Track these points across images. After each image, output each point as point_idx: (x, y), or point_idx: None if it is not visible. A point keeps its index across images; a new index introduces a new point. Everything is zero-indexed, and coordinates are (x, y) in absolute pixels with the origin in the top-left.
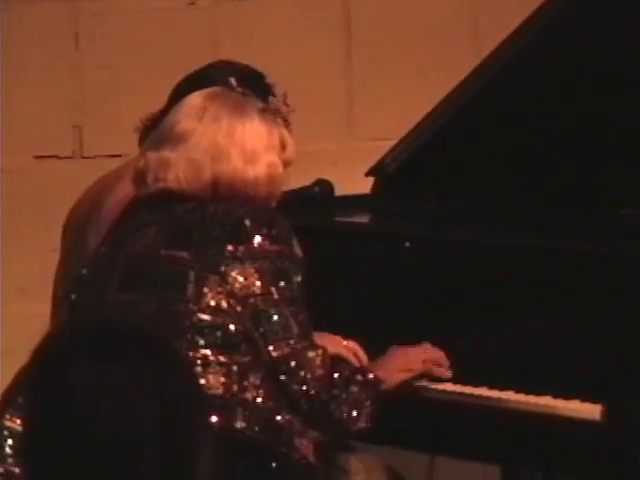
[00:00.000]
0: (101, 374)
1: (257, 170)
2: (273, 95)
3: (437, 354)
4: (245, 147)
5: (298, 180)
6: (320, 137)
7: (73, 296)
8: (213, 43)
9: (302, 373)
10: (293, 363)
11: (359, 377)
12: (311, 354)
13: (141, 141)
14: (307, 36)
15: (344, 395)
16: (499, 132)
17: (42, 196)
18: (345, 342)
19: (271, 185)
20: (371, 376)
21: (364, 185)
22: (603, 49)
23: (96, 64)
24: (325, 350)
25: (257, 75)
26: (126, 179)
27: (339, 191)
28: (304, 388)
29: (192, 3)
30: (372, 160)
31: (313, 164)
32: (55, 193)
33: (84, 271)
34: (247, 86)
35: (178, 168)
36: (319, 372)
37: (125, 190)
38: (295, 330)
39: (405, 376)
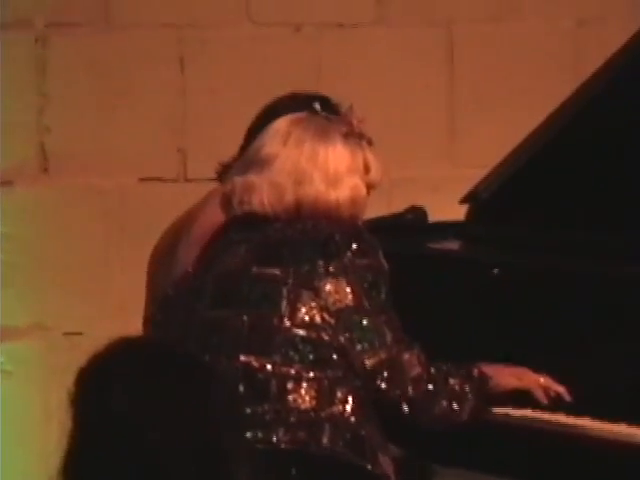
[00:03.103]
0: (139, 394)
1: (339, 193)
2: (337, 114)
3: (556, 386)
4: (328, 170)
5: (398, 205)
6: (421, 163)
7: (158, 317)
8: (316, 69)
9: (401, 377)
10: (391, 369)
11: (462, 372)
12: (407, 356)
13: (219, 178)
14: (410, 63)
15: (442, 389)
16: (592, 161)
17: (145, 218)
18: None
19: (354, 207)
20: (476, 372)
21: (462, 212)
22: None
23: (200, 88)
24: (420, 349)
25: (323, 99)
26: (212, 206)
27: (438, 217)
28: (404, 391)
29: (297, 30)
30: (472, 187)
31: (414, 190)
32: (158, 215)
33: (170, 292)
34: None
35: (262, 191)
36: (416, 371)
37: (213, 216)
38: (389, 336)
39: (514, 382)
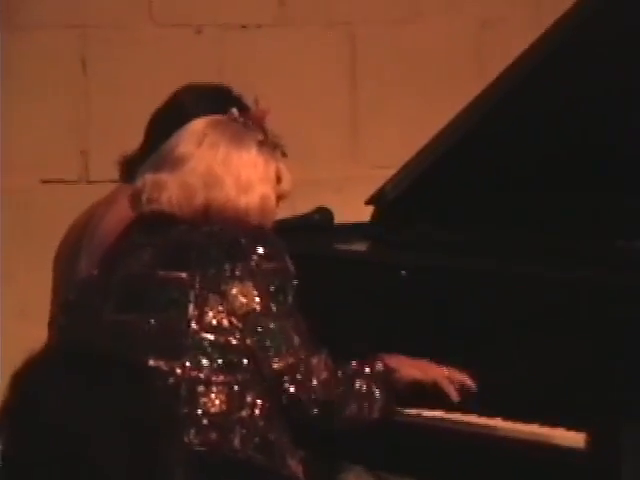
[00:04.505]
0: (74, 397)
1: (249, 200)
2: (241, 107)
3: (460, 377)
4: (240, 176)
5: (301, 206)
6: (324, 164)
7: (62, 320)
8: (218, 71)
9: (309, 381)
10: (299, 373)
11: (367, 370)
12: (315, 360)
13: (121, 176)
14: (313, 64)
15: (350, 392)
16: (501, 159)
17: (47, 219)
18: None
19: (262, 216)
20: (379, 366)
21: (367, 212)
22: (606, 76)
23: (103, 90)
24: (326, 353)
25: (223, 89)
26: (117, 206)
27: (342, 218)
28: (313, 396)
29: (199, 32)
30: (376, 187)
31: (317, 191)
32: (60, 217)
33: (72, 295)
34: (210, 102)
35: (171, 190)
36: (324, 375)
37: (117, 216)
38: (297, 341)
39: (418, 375)
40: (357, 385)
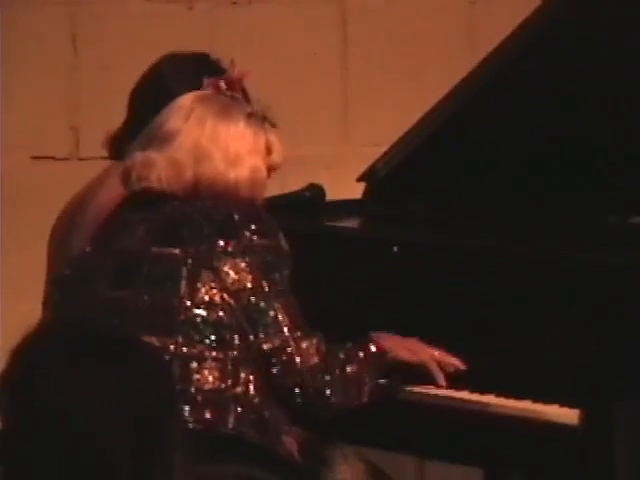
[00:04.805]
0: (73, 374)
1: (239, 173)
2: (219, 70)
3: (450, 359)
4: (228, 150)
5: (292, 184)
6: (315, 141)
7: (56, 297)
8: (210, 47)
9: (295, 364)
10: (285, 355)
11: (360, 354)
12: (305, 344)
13: (109, 152)
14: (302, 41)
15: (339, 378)
16: (492, 138)
17: (38, 196)
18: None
19: (253, 188)
20: (373, 349)
21: (358, 190)
22: (601, 53)
23: (94, 66)
24: (320, 338)
25: (201, 56)
26: (110, 183)
27: (333, 196)
28: (298, 379)
29: (190, 7)
30: (367, 165)
31: (307, 168)
32: (51, 194)
33: (67, 272)
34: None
35: (160, 168)
36: (313, 361)
37: (110, 193)
38: (286, 322)
39: (409, 357)
40: (348, 371)
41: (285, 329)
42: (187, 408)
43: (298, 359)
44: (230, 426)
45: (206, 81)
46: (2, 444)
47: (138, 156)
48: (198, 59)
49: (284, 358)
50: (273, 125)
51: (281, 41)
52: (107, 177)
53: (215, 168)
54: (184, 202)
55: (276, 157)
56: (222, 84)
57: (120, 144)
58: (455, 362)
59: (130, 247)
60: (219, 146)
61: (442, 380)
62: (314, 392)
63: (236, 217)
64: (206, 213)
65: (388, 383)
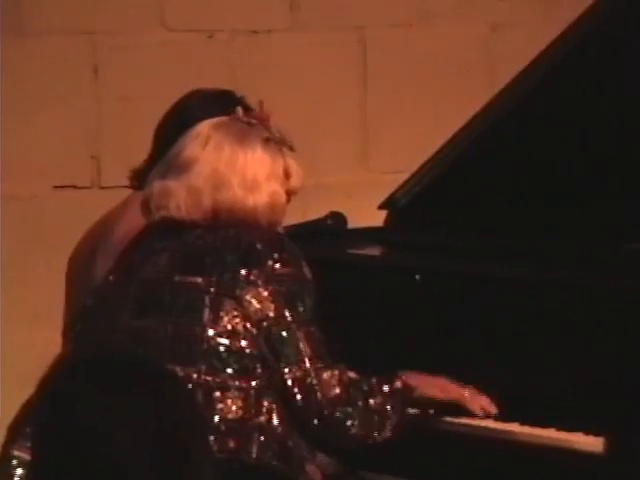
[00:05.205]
0: (102, 404)
1: (257, 199)
2: (244, 107)
3: (480, 397)
4: (246, 175)
5: (313, 212)
6: (335, 169)
7: (78, 327)
8: (230, 76)
9: (316, 395)
10: (306, 385)
11: (385, 388)
12: (326, 375)
13: (132, 183)
14: (323, 69)
15: (362, 411)
16: (511, 166)
17: (59, 225)
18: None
19: (272, 213)
20: (398, 384)
21: (378, 218)
22: (615, 82)
23: (114, 95)
24: (342, 369)
25: (227, 92)
26: (131, 212)
27: (354, 224)
28: (318, 410)
29: (211, 36)
30: (386, 193)
31: (328, 196)
32: (72, 222)
33: (90, 301)
34: (214, 104)
35: (179, 196)
36: (335, 392)
37: (131, 222)
38: (308, 352)
39: (439, 394)
40: (371, 404)
41: (306, 359)
42: (211, 438)
43: (318, 390)
44: (254, 455)
45: (239, 109)
46: (34, 474)
47: (156, 185)
48: (223, 95)
49: (305, 388)
50: (291, 149)
51: (301, 70)
52: (128, 206)
53: (234, 194)
54: (206, 230)
55: (295, 181)
56: (239, 111)
57: (144, 176)
58: (485, 402)
59: (153, 276)
60: (237, 172)
61: (481, 411)
62: (334, 423)
63: (259, 246)
64: (229, 242)
65: (414, 414)
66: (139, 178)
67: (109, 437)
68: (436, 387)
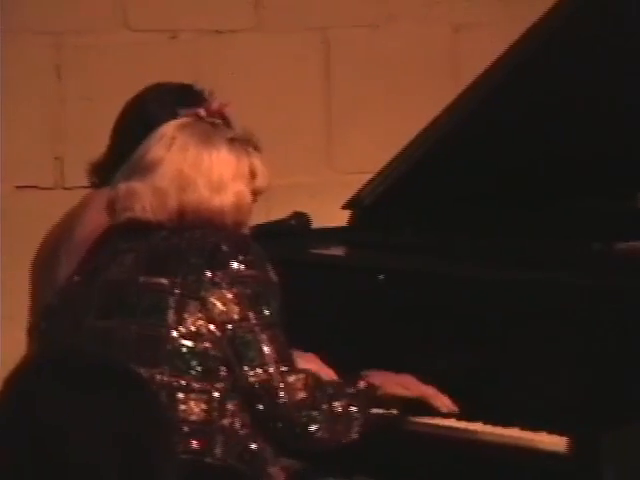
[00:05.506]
0: (66, 404)
1: (223, 199)
2: (204, 100)
3: (442, 398)
4: (212, 176)
5: (277, 212)
6: (299, 170)
7: (42, 326)
8: (194, 76)
9: (280, 399)
10: (271, 389)
11: (349, 389)
12: (291, 378)
13: (92, 181)
14: (288, 69)
15: (327, 414)
16: (476, 164)
17: (22, 226)
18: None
19: (238, 213)
20: (362, 385)
21: (342, 218)
22: (579, 80)
23: (78, 96)
24: (308, 373)
25: (185, 86)
26: (93, 211)
27: (318, 224)
28: (282, 414)
29: (174, 36)
30: (350, 193)
31: (292, 196)
32: (35, 223)
33: (54, 301)
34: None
35: (144, 198)
36: (300, 395)
37: (94, 222)
38: (273, 355)
39: (403, 391)
40: (336, 407)
41: (271, 363)
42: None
43: (283, 394)
44: (217, 457)
45: (182, 111)
46: None
47: (122, 187)
48: (181, 89)
49: (269, 392)
50: (257, 149)
51: (265, 70)
52: (90, 204)
53: (199, 195)
54: (172, 232)
55: (261, 181)
56: (202, 112)
57: (103, 172)
58: (446, 402)
59: (118, 277)
60: (202, 173)
61: (444, 408)
62: (299, 427)
63: (224, 247)
64: (194, 243)
65: (378, 414)
66: (98, 174)
67: (73, 437)
68: (400, 385)
